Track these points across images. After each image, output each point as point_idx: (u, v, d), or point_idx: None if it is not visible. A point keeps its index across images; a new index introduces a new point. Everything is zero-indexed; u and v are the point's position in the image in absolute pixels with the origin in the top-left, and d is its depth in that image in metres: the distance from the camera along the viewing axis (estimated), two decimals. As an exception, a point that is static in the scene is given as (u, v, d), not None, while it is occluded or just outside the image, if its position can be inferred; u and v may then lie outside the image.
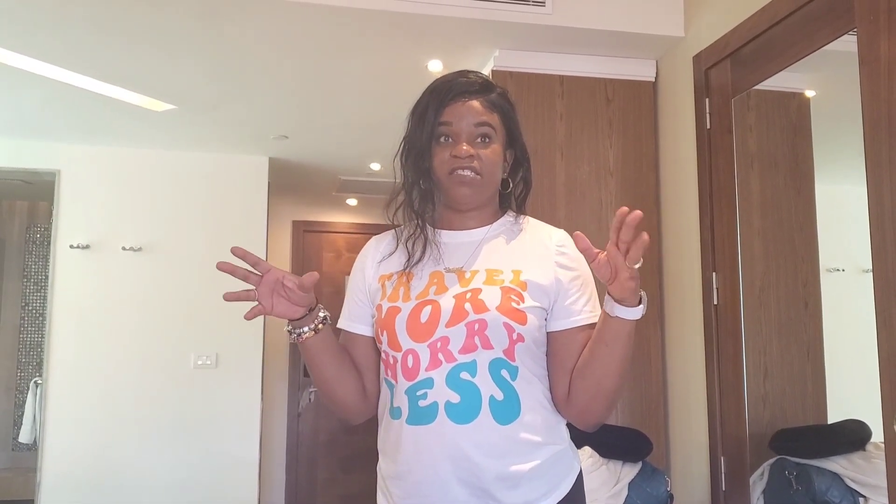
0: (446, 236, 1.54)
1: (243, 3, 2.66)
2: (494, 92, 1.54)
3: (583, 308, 1.47)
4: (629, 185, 3.09)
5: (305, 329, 1.44)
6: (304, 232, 6.32)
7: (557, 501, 1.42)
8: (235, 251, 1.37)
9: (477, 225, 1.54)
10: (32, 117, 4.08)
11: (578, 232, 1.28)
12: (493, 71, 3.03)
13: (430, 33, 2.91)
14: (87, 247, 4.46)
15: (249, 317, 1.39)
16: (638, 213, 1.23)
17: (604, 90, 3.12)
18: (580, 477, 1.50)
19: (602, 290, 1.47)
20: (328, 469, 6.08)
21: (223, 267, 1.36)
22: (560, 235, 1.53)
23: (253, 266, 1.39)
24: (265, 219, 4.85)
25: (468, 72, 1.56)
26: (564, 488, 1.44)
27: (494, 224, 1.55)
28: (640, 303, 1.33)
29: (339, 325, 1.57)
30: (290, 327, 1.45)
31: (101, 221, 4.53)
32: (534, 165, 3.07)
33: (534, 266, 1.47)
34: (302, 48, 3.08)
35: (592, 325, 1.45)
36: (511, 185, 1.58)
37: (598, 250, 1.29)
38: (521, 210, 1.61)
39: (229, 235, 4.70)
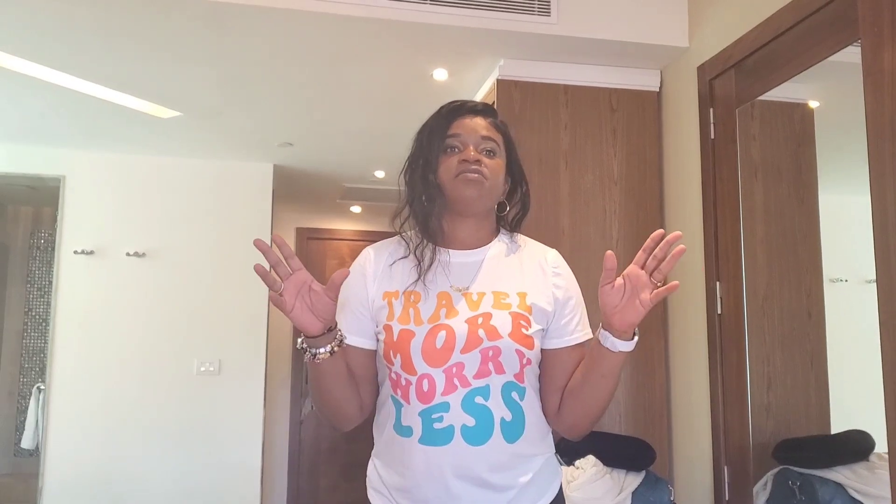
0: (450, 255, 1.58)
1: (250, 12, 2.68)
2: (497, 118, 1.64)
3: (575, 328, 1.56)
4: (633, 193, 3.09)
5: (322, 350, 1.39)
6: (308, 239, 6.33)
7: (549, 502, 1.52)
8: (276, 238, 1.36)
9: (477, 244, 1.60)
10: (38, 123, 4.09)
11: (610, 252, 1.35)
12: (498, 80, 3.04)
13: (436, 42, 2.92)
14: (91, 252, 4.47)
15: (272, 299, 1.34)
16: (677, 233, 1.32)
17: (608, 99, 3.13)
18: (562, 482, 1.60)
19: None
20: (330, 476, 6.08)
21: (258, 243, 1.32)
22: (553, 255, 1.63)
23: (286, 259, 1.36)
24: (269, 226, 4.85)
25: (472, 100, 1.65)
26: (552, 493, 1.54)
27: (492, 243, 1.62)
28: (634, 335, 1.40)
29: None
30: (305, 345, 1.40)
31: (105, 227, 4.55)
32: (538, 174, 3.08)
33: (535, 288, 1.54)
34: (308, 56, 3.10)
35: (582, 344, 1.55)
36: (507, 207, 1.66)
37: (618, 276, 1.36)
38: (515, 230, 1.68)
39: (233, 242, 4.72)
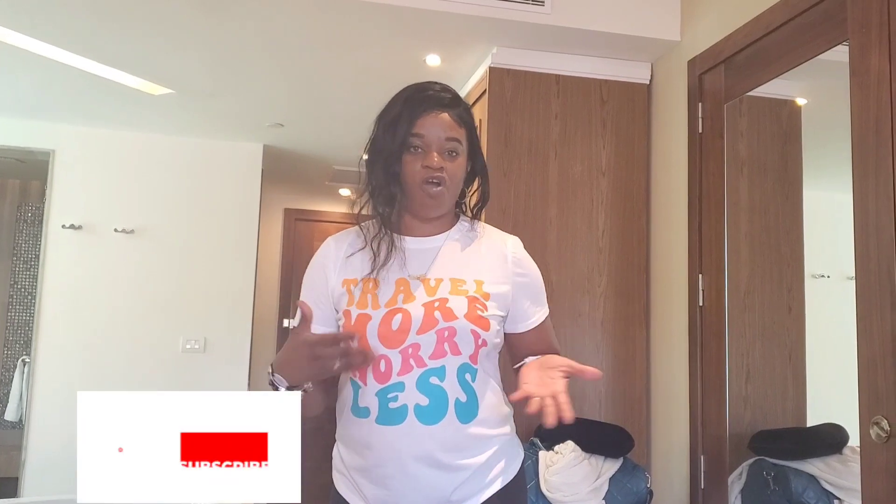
0: (408, 242, 1.60)
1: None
2: (461, 107, 1.61)
3: (535, 311, 1.62)
4: (620, 185, 3.12)
5: (308, 385, 1.44)
6: (296, 220, 6.34)
7: (506, 483, 1.55)
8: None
9: (436, 231, 1.62)
10: (29, 96, 4.07)
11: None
12: (490, 68, 3.06)
13: (430, 28, 2.93)
14: (79, 227, 4.47)
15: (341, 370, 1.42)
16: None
17: (599, 91, 3.15)
18: (524, 462, 1.63)
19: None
20: (312, 458, 6.04)
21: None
22: (513, 243, 1.65)
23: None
24: (258, 205, 4.87)
25: (437, 83, 1.62)
26: (512, 472, 1.57)
27: (452, 230, 1.63)
28: None
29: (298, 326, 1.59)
30: (285, 383, 1.43)
31: (94, 202, 4.54)
32: (528, 162, 3.10)
33: (493, 276, 1.57)
34: (301, 39, 3.10)
35: (542, 324, 1.63)
36: (467, 194, 1.67)
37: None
38: (476, 218, 1.69)
39: (222, 221, 4.73)
